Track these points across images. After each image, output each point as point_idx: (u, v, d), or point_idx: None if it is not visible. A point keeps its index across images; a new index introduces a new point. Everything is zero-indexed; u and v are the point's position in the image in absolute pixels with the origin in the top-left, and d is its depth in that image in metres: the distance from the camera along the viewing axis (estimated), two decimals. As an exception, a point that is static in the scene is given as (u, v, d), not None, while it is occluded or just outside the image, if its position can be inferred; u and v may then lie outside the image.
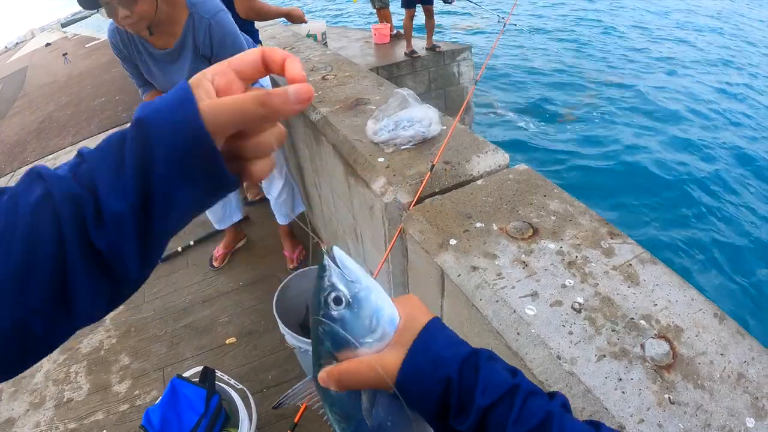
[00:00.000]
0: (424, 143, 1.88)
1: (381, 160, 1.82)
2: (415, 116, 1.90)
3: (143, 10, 2.07)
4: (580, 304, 1.15)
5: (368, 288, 0.59)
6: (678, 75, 12.58)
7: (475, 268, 1.27)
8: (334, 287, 0.58)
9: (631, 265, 1.24)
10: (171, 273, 3.71)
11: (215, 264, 3.59)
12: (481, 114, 10.64)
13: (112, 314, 3.48)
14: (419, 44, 7.81)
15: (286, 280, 2.47)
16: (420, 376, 0.56)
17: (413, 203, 1.58)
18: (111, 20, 2.14)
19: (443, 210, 1.50)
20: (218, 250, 3.63)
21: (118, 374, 3.01)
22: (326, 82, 2.67)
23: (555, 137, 9.61)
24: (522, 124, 10.29)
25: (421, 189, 1.59)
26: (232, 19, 2.33)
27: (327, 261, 0.60)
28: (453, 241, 1.37)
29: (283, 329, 2.25)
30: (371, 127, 1.94)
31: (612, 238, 1.32)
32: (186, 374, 2.24)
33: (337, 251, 0.61)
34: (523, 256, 1.29)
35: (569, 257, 1.28)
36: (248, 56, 0.53)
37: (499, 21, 7.68)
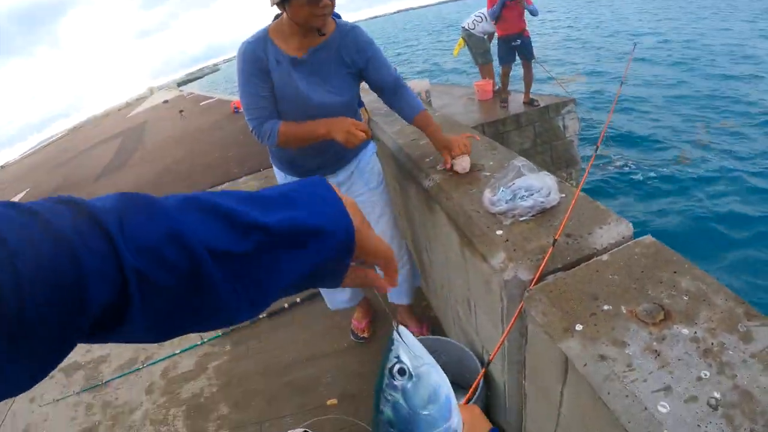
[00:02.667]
0: (544, 214, 1.83)
1: (499, 233, 1.79)
2: (533, 185, 1.86)
3: (334, 3, 2.14)
4: (717, 399, 1.06)
5: (430, 365, 0.65)
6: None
7: (603, 358, 1.21)
8: (399, 359, 0.63)
9: None
10: (276, 329, 3.77)
11: (364, 335, 3.43)
12: (586, 166, 10.43)
13: (215, 363, 3.57)
14: (518, 98, 7.82)
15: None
16: None
17: (535, 281, 1.53)
18: (240, 47, 2.24)
19: (567, 290, 1.45)
20: (359, 322, 3.48)
21: (215, 422, 3.06)
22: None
23: (665, 188, 9.25)
24: (632, 174, 9.99)
25: (543, 265, 1.54)
26: None
27: (395, 335, 0.66)
28: (579, 326, 1.32)
29: None
30: (488, 197, 1.91)
31: (749, 320, 1.23)
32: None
33: (403, 331, 0.67)
34: (655, 343, 1.22)
35: (704, 344, 1.19)
36: (378, 249, 0.65)
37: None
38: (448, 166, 2.30)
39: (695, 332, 1.23)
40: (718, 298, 1.31)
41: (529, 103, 7.48)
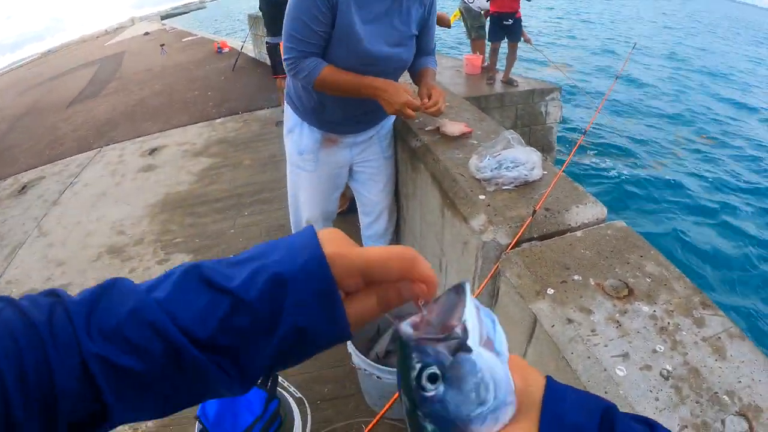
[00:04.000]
0: (526, 186, 1.90)
1: (482, 197, 1.85)
2: (519, 158, 1.93)
3: None
4: (668, 371, 1.15)
5: (469, 348, 0.45)
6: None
7: (570, 321, 1.29)
8: (424, 363, 0.45)
9: (720, 338, 1.24)
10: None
11: None
12: (564, 154, 10.57)
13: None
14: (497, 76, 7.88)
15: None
16: None
17: (512, 245, 1.60)
18: None
19: (542, 257, 1.52)
20: None
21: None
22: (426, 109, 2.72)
23: (641, 184, 9.52)
24: (606, 168, 10.18)
25: (521, 232, 1.62)
26: None
27: (403, 327, 0.47)
28: (550, 291, 1.39)
29: (351, 348, 2.24)
30: (475, 162, 1.97)
31: (704, 309, 1.32)
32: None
33: (468, 288, 0.47)
34: (618, 315, 1.31)
35: (662, 323, 1.28)
36: (388, 261, 0.51)
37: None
38: (422, 103, 2.19)
39: (654, 311, 1.32)
40: (678, 285, 1.41)
41: (508, 82, 7.55)
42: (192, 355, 0.46)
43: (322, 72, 2.04)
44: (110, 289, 0.48)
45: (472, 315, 0.46)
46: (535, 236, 1.66)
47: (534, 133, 7.65)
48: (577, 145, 2.62)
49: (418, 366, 0.45)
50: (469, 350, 0.44)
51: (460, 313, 0.45)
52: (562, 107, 7.76)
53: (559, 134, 8.91)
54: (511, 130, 2.10)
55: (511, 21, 7.33)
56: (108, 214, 5.09)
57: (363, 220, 2.90)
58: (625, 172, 9.89)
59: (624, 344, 1.22)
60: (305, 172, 2.53)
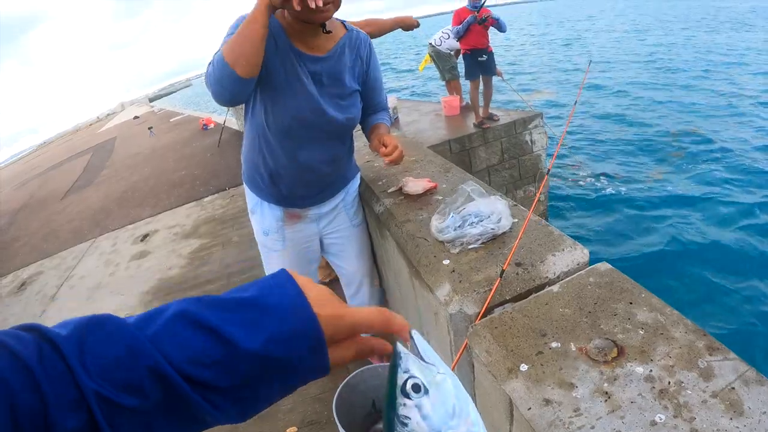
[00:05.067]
0: (494, 241, 1.74)
1: (446, 262, 1.69)
2: (482, 211, 1.78)
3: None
4: (673, 448, 0.98)
5: (445, 373, 0.57)
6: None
7: (548, 402, 1.12)
8: (410, 373, 0.56)
9: (733, 388, 1.05)
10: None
11: None
12: (557, 180, 10.44)
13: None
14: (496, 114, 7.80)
15: (350, 377, 2.34)
16: None
17: (480, 315, 1.44)
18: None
19: (513, 325, 1.35)
20: None
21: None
22: (391, 167, 2.59)
23: (635, 202, 9.23)
24: (600, 188, 9.98)
25: (489, 299, 1.45)
26: None
27: (400, 348, 0.59)
28: (524, 367, 1.22)
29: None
30: (435, 224, 1.82)
31: (711, 354, 1.14)
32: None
33: (416, 335, 0.61)
34: (606, 384, 1.13)
35: (660, 383, 1.10)
36: (373, 321, 0.62)
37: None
38: (382, 151, 2.05)
39: (650, 370, 1.14)
40: (677, 330, 1.23)
41: (489, 117, 7.45)
42: (188, 395, 0.48)
43: (223, 46, 1.74)
44: (100, 325, 0.49)
45: (432, 354, 0.58)
46: (507, 298, 1.49)
47: (523, 164, 7.56)
48: (541, 186, 2.48)
49: (405, 375, 0.55)
50: (444, 373, 0.55)
51: (423, 356, 0.57)
52: (548, 133, 7.67)
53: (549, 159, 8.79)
54: (470, 181, 1.96)
55: (485, 57, 7.31)
56: (103, 306, 5.04)
57: (345, 292, 2.78)
58: (618, 192, 9.72)
59: (615, 421, 1.04)
60: (274, 252, 2.43)
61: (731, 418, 1.00)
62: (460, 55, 7.73)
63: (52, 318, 5.08)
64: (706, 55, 21.58)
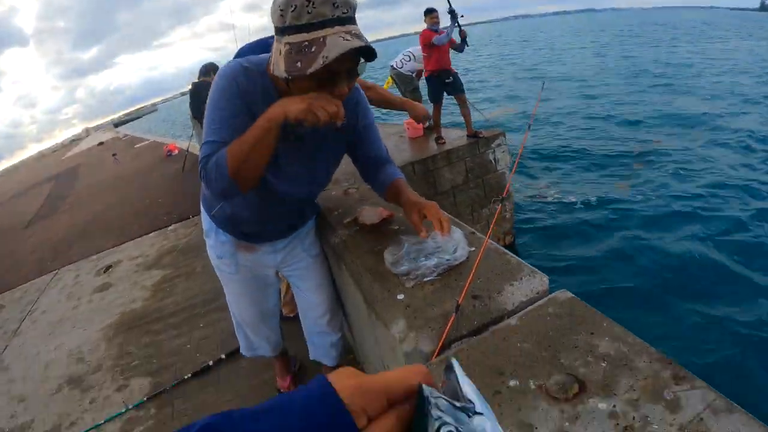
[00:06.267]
0: (451, 272, 1.68)
1: (400, 297, 1.63)
2: (438, 241, 1.72)
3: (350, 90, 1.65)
4: (638, 493, 0.92)
5: (483, 413, 0.49)
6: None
7: (508, 446, 1.06)
8: (442, 420, 0.48)
9: (702, 419, 1.01)
10: (203, 388, 3.58)
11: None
12: (522, 197, 10.46)
13: (139, 429, 3.36)
14: (458, 133, 7.80)
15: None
16: None
17: (436, 352, 1.38)
18: (234, 66, 1.66)
19: (469, 363, 1.29)
20: (282, 379, 3.22)
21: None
22: (348, 197, 2.53)
23: (604, 216, 9.28)
24: (567, 203, 10.04)
25: (444, 336, 1.39)
26: None
27: (426, 390, 0.50)
28: (480, 409, 1.16)
29: None
30: (389, 257, 1.76)
31: (677, 384, 1.09)
32: None
33: (456, 364, 0.54)
34: (567, 424, 1.07)
35: (625, 419, 1.05)
36: (407, 376, 0.54)
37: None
38: (423, 234, 1.78)
39: (614, 406, 1.09)
40: (641, 360, 1.18)
41: (474, 135, 7.47)
42: None
43: (226, 154, 1.59)
44: None
45: (471, 390, 0.50)
46: (464, 333, 1.44)
47: (488, 183, 7.57)
48: (496, 214, 2.44)
49: (437, 424, 0.47)
50: (481, 414, 0.48)
51: (461, 389, 0.50)
52: (510, 151, 7.70)
53: (515, 178, 8.81)
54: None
55: (451, 78, 7.38)
56: (66, 341, 4.93)
57: (318, 323, 2.68)
58: (580, 206, 9.81)
59: (577, 465, 0.99)
60: (227, 274, 2.37)
61: (701, 452, 0.95)
62: (422, 77, 7.77)
63: (14, 354, 4.97)
64: (665, 68, 22.10)
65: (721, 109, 15.24)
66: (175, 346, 4.32)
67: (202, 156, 1.66)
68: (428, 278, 1.66)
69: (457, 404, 0.49)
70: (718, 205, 9.04)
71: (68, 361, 4.56)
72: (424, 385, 0.50)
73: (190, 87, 7.56)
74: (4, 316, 6.01)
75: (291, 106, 1.51)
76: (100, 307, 5.46)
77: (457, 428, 0.47)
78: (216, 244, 2.28)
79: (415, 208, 1.83)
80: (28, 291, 6.63)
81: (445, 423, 0.47)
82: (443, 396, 0.49)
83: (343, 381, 0.51)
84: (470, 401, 0.49)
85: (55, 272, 7.04)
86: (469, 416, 0.48)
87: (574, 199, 10.07)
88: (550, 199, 10.37)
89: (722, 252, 7.57)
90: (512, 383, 1.21)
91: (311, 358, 2.87)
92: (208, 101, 1.69)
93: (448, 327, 1.40)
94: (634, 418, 1.05)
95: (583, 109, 17.61)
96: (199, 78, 7.27)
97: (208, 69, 7.17)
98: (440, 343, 1.38)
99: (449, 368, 0.53)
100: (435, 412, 0.48)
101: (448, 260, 1.66)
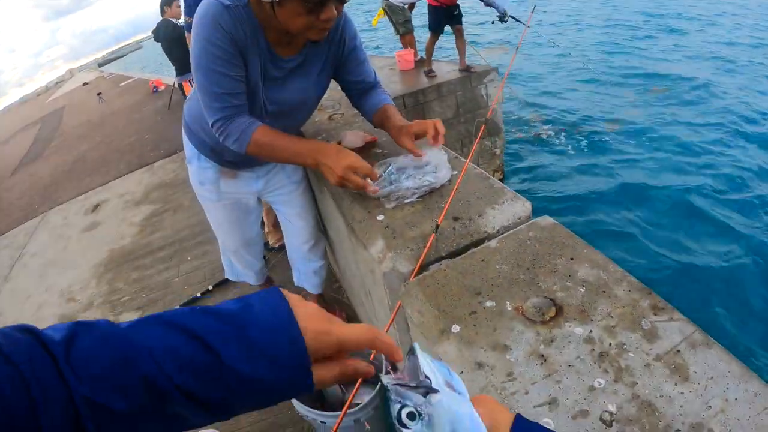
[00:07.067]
0: (432, 194, 1.64)
1: (380, 218, 1.59)
2: (420, 162, 1.67)
3: (340, 12, 1.66)
4: (611, 413, 0.90)
5: (441, 391, 0.56)
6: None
7: (480, 366, 1.03)
8: (402, 402, 0.55)
9: (679, 351, 0.98)
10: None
11: None
12: (515, 134, 10.34)
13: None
14: (450, 67, 7.63)
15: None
16: None
17: (414, 273, 1.35)
18: (214, 8, 1.58)
19: (447, 283, 1.26)
20: None
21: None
22: (332, 121, 2.46)
23: (593, 157, 9.14)
24: (559, 142, 9.91)
25: (423, 256, 1.36)
26: None
27: (385, 379, 0.58)
28: (456, 328, 1.13)
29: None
30: (370, 180, 1.70)
31: (656, 314, 1.06)
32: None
33: (417, 349, 0.60)
34: (542, 346, 1.05)
35: (601, 346, 1.02)
36: (360, 339, 0.62)
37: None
38: (420, 154, 1.74)
39: (590, 331, 1.06)
40: (620, 288, 1.15)
41: (466, 69, 7.30)
42: (175, 401, 0.50)
43: (256, 133, 1.71)
44: (92, 328, 0.50)
45: (429, 367, 0.57)
46: (443, 255, 1.40)
47: (479, 119, 7.43)
48: (479, 135, 2.37)
49: (397, 407, 0.55)
50: (436, 391, 0.55)
51: (420, 369, 0.56)
52: (504, 87, 7.54)
53: (509, 114, 8.66)
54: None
55: (457, 11, 7.21)
56: (57, 281, 4.96)
57: (301, 249, 2.67)
58: (578, 145, 9.67)
59: (551, 386, 0.97)
60: (209, 201, 2.35)
61: (676, 384, 0.93)
62: (414, 9, 7.56)
63: (6, 299, 5.02)
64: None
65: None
66: (164, 280, 4.36)
67: (215, 117, 1.71)
68: (409, 200, 1.61)
69: (412, 384, 0.56)
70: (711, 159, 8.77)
71: (60, 301, 4.61)
72: (382, 376, 0.59)
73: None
74: (-6, 262, 6.03)
75: (329, 170, 1.65)
76: (91, 246, 5.48)
77: (415, 408, 0.54)
78: (198, 170, 2.23)
79: (403, 131, 1.79)
80: (18, 236, 6.63)
81: (405, 405, 0.55)
82: (400, 381, 0.57)
83: (310, 323, 0.58)
84: (428, 379, 0.56)
85: (43, 215, 7.02)
86: (425, 395, 0.55)
87: (565, 139, 9.95)
88: (543, 137, 10.26)
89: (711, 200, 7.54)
90: (488, 304, 1.18)
91: (295, 284, 2.86)
92: (194, 48, 1.64)
93: (426, 247, 1.37)
94: (610, 344, 1.02)
95: (583, 40, 17.22)
96: (162, 14, 6.84)
97: (163, 3, 6.75)
98: (418, 264, 1.35)
99: (411, 351, 0.59)
100: (394, 397, 0.56)
101: (429, 182, 1.62)
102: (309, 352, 0.56)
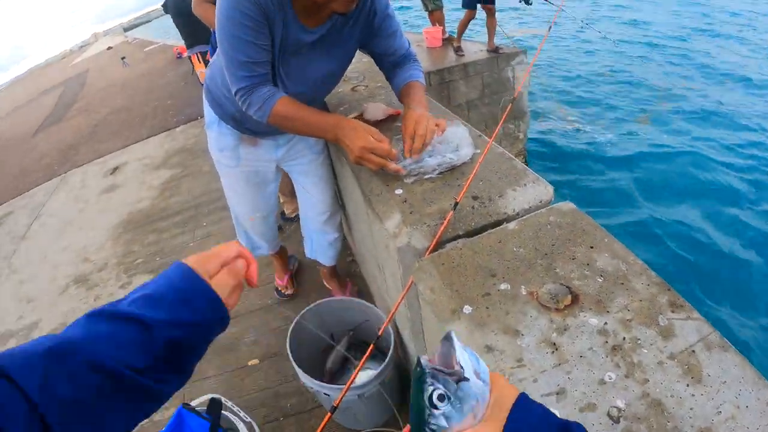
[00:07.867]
0: (453, 171, 1.61)
1: (399, 192, 1.56)
2: (443, 139, 1.64)
3: None
4: (619, 410, 0.87)
5: (469, 374, 0.61)
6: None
7: (490, 349, 1.01)
8: (434, 385, 0.60)
9: (694, 352, 0.94)
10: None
11: (288, 293, 3.22)
12: (539, 120, 10.21)
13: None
14: (478, 47, 7.52)
15: (305, 311, 2.25)
16: None
17: (430, 249, 1.32)
18: None
19: (462, 263, 1.23)
20: (280, 278, 3.22)
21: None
22: (356, 93, 2.42)
23: (620, 148, 8.97)
24: (584, 132, 9.74)
25: (440, 233, 1.33)
26: None
27: (422, 360, 0.62)
28: (467, 309, 1.11)
29: (297, 368, 2.02)
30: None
31: (673, 311, 1.02)
32: (195, 402, 2.02)
33: (453, 335, 0.62)
34: (555, 335, 1.02)
35: (614, 339, 0.99)
36: (223, 246, 0.82)
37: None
38: (407, 152, 1.66)
39: (605, 323, 1.03)
40: (639, 281, 1.12)
41: (494, 50, 7.16)
42: (135, 381, 0.60)
43: (277, 105, 1.70)
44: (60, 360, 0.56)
45: (464, 357, 0.61)
46: (461, 233, 1.37)
47: (506, 98, 7.33)
48: (505, 113, 2.30)
49: (431, 389, 0.60)
50: (467, 380, 0.59)
51: (455, 356, 0.60)
52: (531, 71, 7.43)
53: (535, 99, 8.49)
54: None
55: None
56: (74, 242, 5.02)
57: (318, 219, 2.64)
58: (602, 139, 9.46)
59: (561, 376, 0.94)
60: (228, 168, 2.31)
61: (688, 385, 0.90)
62: None
63: (23, 257, 5.07)
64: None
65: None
66: (179, 244, 4.38)
67: (240, 85, 1.70)
68: (429, 176, 1.59)
69: (446, 371, 0.60)
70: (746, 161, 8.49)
71: (76, 260, 4.65)
72: (421, 358, 0.62)
73: None
74: (12, 221, 6.09)
75: (348, 147, 1.66)
76: (108, 208, 5.51)
77: (446, 393, 0.59)
78: (218, 136, 2.20)
79: (405, 120, 1.73)
80: (36, 195, 6.67)
81: (437, 389, 0.59)
82: (437, 366, 0.61)
83: (187, 259, 0.74)
84: (462, 367, 0.59)
85: (62, 176, 7.06)
86: (458, 382, 0.59)
87: (591, 129, 9.77)
88: (568, 126, 10.10)
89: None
90: (503, 287, 1.15)
91: (308, 256, 2.85)
92: (221, 15, 1.60)
93: (444, 224, 1.34)
94: (624, 338, 0.99)
95: (618, 28, 16.85)
96: None
97: None
98: (434, 241, 1.32)
99: (447, 338, 0.61)
100: (429, 380, 0.60)
101: (451, 159, 1.58)
102: (199, 273, 0.72)
